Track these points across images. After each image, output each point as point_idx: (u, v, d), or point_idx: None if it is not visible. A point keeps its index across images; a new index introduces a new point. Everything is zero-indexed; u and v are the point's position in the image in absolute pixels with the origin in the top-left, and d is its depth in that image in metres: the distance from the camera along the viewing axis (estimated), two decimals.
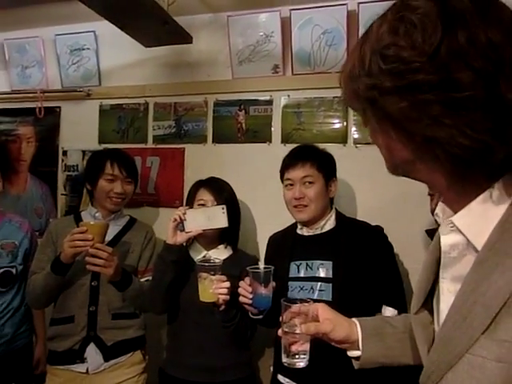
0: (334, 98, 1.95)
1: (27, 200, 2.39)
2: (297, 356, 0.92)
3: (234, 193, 1.68)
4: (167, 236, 1.54)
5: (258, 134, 2.04)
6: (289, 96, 2.02)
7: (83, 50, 2.29)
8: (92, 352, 1.54)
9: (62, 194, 2.33)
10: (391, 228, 1.53)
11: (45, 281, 1.53)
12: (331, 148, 1.76)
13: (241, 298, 1.33)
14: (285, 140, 2.00)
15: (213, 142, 2.11)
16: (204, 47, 2.13)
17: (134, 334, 1.62)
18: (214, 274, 1.34)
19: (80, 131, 2.31)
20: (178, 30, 1.93)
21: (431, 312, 0.70)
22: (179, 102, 2.16)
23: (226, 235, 1.63)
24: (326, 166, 1.52)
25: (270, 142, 2.03)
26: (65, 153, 2.34)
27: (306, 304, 0.91)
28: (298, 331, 0.89)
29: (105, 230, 1.52)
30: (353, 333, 0.86)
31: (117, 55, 2.24)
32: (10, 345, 1.75)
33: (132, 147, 2.16)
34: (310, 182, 1.47)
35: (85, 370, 1.53)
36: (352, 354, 0.88)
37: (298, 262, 1.45)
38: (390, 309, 1.31)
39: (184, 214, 1.51)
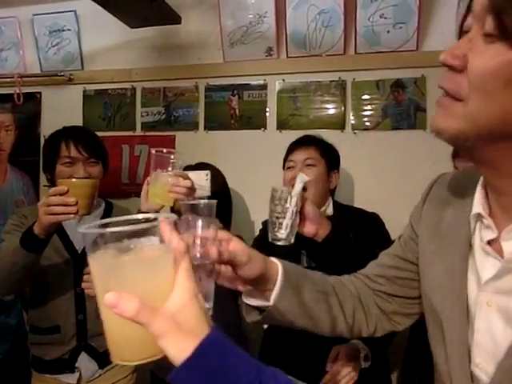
0: (330, 81, 1.88)
1: (7, 193, 2.26)
2: None
3: (224, 179, 1.62)
4: (141, 203, 1.26)
5: (252, 120, 1.95)
6: (284, 80, 1.93)
7: (63, 31, 2.15)
8: (84, 361, 1.43)
9: (45, 186, 2.21)
10: (389, 215, 1.49)
11: (11, 258, 1.20)
12: (329, 134, 1.70)
13: None
14: (280, 126, 1.92)
15: (205, 128, 2.01)
16: (193, 28, 2.01)
17: None
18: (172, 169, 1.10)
19: (63, 118, 2.16)
20: (166, 10, 1.82)
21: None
22: (168, 86, 2.05)
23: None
24: (330, 155, 1.51)
25: (265, 128, 1.94)
26: None
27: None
28: (197, 255, 0.63)
29: (92, 189, 1.18)
30: (268, 271, 0.70)
31: (100, 37, 2.11)
32: (17, 338, 1.70)
33: (119, 135, 2.05)
34: (311, 165, 1.45)
35: (75, 382, 1.41)
36: (253, 301, 0.73)
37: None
38: None
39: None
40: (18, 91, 2.16)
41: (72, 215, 1.11)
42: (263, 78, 1.95)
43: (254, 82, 1.96)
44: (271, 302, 0.70)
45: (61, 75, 2.14)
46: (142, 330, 0.42)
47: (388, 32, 1.75)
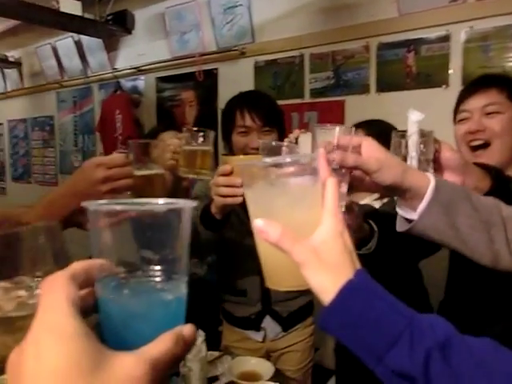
0: None
1: None
2: None
3: None
4: None
5: (431, 77, 1.77)
6: (471, 27, 1.68)
7: (236, 7, 2.27)
8: (269, 323, 1.52)
9: (223, 154, 2.43)
10: None
11: (194, 230, 1.24)
12: None
13: None
14: (466, 82, 1.68)
15: (376, 91, 1.91)
16: None
17: (302, 302, 1.60)
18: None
19: (236, 90, 2.29)
20: None
21: None
22: (337, 49, 2.00)
23: None
24: None
25: (447, 85, 1.74)
26: None
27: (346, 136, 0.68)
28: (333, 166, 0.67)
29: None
30: (408, 182, 0.66)
31: (269, 8, 2.16)
32: (214, 291, 1.80)
33: (288, 103, 2.10)
34: (494, 112, 1.11)
35: (261, 340, 1.53)
36: (401, 211, 0.70)
37: None
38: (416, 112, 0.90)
39: (297, 137, 1.14)
40: (199, 69, 2.39)
41: (240, 198, 0.94)
42: (445, 28, 1.73)
43: (434, 34, 1.76)
44: (416, 216, 0.68)
45: (234, 50, 2.29)
46: (288, 259, 0.44)
47: None
